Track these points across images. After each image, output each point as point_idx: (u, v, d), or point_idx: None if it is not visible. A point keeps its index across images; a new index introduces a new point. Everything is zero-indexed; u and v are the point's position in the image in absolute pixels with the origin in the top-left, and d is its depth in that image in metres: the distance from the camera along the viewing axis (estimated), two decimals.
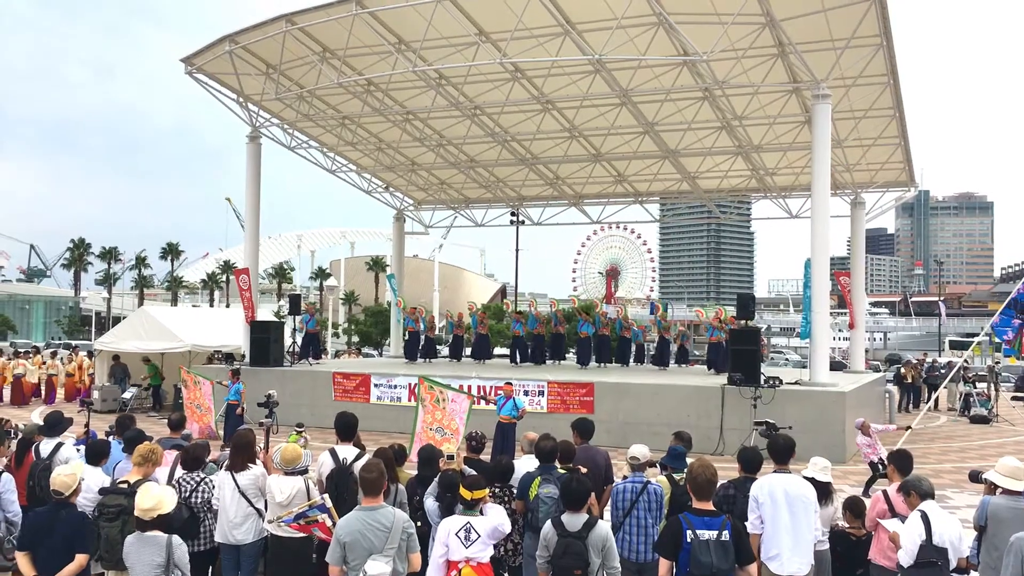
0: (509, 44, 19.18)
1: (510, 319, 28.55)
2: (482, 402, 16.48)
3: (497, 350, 30.23)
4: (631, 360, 27.08)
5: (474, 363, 25.62)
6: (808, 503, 6.41)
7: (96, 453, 7.56)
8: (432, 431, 12.36)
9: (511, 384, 16.09)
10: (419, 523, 6.68)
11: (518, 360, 26.34)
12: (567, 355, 28.20)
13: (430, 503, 7.10)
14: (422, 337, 26.92)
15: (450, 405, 12.47)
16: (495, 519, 6.00)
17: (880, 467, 13.71)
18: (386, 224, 38.71)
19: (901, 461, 7.16)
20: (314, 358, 25.18)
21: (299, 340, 25.53)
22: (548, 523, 5.97)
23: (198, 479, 7.20)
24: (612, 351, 26.73)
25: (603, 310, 28.30)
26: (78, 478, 6.22)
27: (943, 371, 30.86)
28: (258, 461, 7.51)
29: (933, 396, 28.35)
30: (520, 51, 19.91)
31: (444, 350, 31.95)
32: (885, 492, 6.99)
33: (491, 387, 19.40)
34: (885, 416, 24.90)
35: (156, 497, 5.78)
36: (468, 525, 5.88)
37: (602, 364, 26.09)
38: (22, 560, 5.94)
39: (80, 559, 5.83)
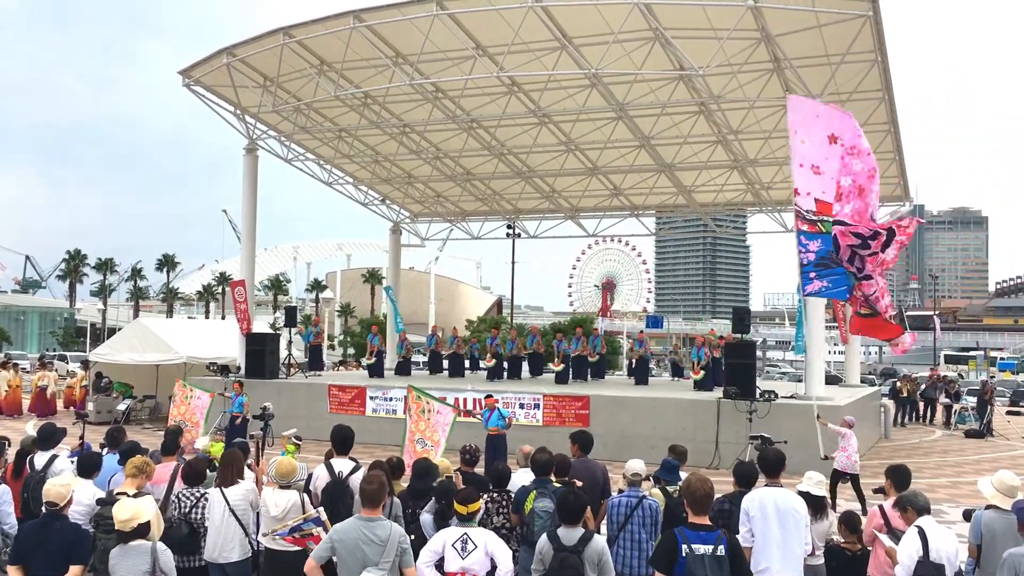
0: (506, 58, 19.26)
1: (499, 334, 28.04)
2: (469, 415, 16.45)
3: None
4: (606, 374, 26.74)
5: (448, 378, 25.16)
6: (799, 517, 6.39)
7: (87, 466, 7.52)
8: (415, 442, 12.34)
9: (492, 396, 15.95)
10: (412, 536, 6.65)
11: (497, 375, 25.08)
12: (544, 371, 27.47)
13: (426, 518, 7.07)
14: (398, 357, 26.67)
15: (435, 417, 12.45)
16: (498, 547, 5.88)
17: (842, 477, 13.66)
18: (382, 236, 38.80)
19: (899, 476, 7.14)
20: (316, 370, 25.24)
21: (295, 353, 25.55)
22: (544, 537, 5.94)
23: (198, 494, 7.18)
24: (589, 366, 25.36)
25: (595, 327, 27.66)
26: (71, 489, 6.20)
27: (943, 385, 31.04)
28: (247, 475, 7.50)
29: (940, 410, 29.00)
30: (517, 65, 19.99)
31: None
32: (881, 507, 6.99)
33: (483, 400, 19.46)
34: (880, 431, 24.98)
35: (132, 508, 5.79)
36: (465, 536, 5.82)
37: (579, 380, 24.60)
38: (14, 574, 5.88)
39: (75, 571, 5.78)
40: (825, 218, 11.02)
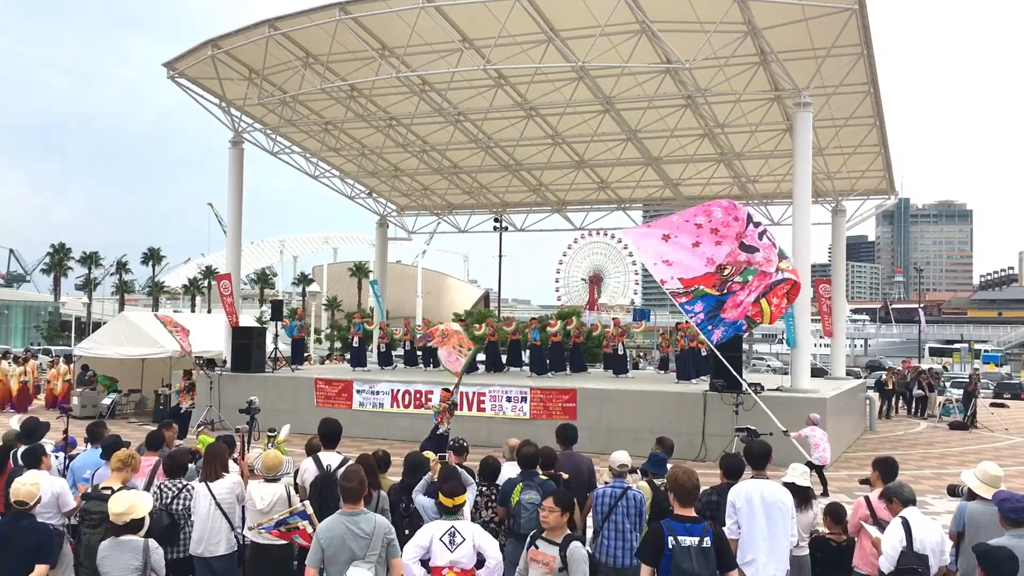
0: (493, 51, 19.21)
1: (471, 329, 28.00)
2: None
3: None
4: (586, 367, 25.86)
5: (426, 369, 25.26)
6: (785, 509, 6.43)
7: (31, 458, 7.46)
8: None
9: (448, 390, 15.82)
10: (407, 530, 6.63)
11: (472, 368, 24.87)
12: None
13: (422, 499, 7.02)
14: (380, 345, 26.66)
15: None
16: (485, 540, 5.88)
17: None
18: (369, 230, 38.67)
19: (885, 468, 7.16)
20: (296, 363, 25.06)
21: (281, 347, 25.47)
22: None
23: (180, 485, 7.15)
24: (565, 358, 24.60)
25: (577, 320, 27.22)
26: (41, 488, 6.12)
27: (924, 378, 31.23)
28: (232, 468, 7.47)
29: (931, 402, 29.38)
30: (504, 58, 19.95)
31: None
32: (867, 498, 7.02)
33: (473, 393, 19.56)
34: (865, 424, 25.11)
35: (129, 501, 5.75)
36: (453, 529, 5.81)
37: (558, 370, 24.07)
38: None
39: (40, 570, 5.62)
40: (694, 288, 13.20)
